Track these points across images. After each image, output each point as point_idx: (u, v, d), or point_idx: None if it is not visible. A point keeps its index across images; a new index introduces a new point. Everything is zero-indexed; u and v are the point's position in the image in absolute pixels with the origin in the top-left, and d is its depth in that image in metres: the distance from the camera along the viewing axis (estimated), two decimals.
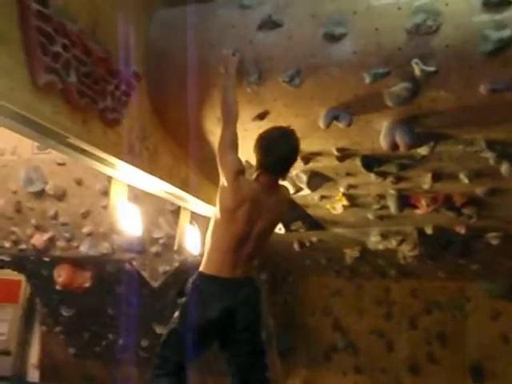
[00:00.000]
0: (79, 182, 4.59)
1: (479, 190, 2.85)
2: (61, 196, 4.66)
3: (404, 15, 1.94)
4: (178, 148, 2.55)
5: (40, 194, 4.66)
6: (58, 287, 5.31)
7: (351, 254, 4.58)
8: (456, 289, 5.68)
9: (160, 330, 6.02)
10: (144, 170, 2.26)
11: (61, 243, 4.86)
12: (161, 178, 2.41)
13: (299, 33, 2.05)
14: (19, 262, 5.38)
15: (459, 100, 2.00)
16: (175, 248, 3.39)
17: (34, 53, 1.48)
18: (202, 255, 2.99)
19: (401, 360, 5.77)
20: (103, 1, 1.90)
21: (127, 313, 5.87)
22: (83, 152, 1.93)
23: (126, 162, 2.11)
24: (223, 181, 2.08)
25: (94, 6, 1.84)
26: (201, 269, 2.19)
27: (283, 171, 2.11)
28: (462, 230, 3.56)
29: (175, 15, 2.31)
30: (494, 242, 3.72)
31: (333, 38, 2.00)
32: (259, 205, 2.07)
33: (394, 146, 2.13)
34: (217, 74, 2.12)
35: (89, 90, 1.74)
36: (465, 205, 3.03)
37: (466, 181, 2.66)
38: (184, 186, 2.69)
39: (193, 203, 3.02)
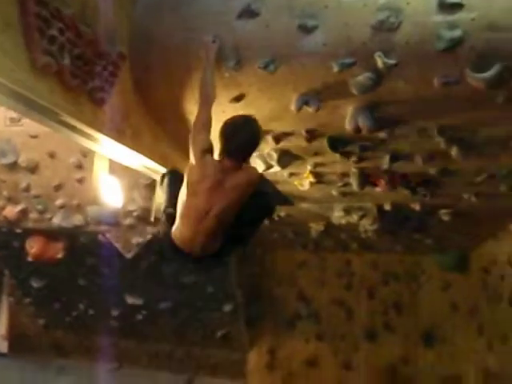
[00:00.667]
0: (52, 155, 4.63)
1: (432, 171, 3.14)
2: (33, 168, 4.69)
3: (370, 12, 2.14)
4: (158, 126, 2.69)
5: (12, 166, 4.67)
6: (29, 258, 5.37)
7: (316, 228, 4.86)
8: (412, 262, 6.13)
9: (131, 300, 6.22)
10: (127, 145, 2.40)
11: (33, 215, 4.91)
12: (142, 153, 2.56)
13: (276, 23, 2.21)
14: None
15: (416, 91, 2.23)
16: (151, 220, 3.55)
17: (33, 36, 1.60)
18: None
19: (359, 327, 6.22)
20: None
21: (99, 283, 6.01)
22: (72, 128, 2.06)
23: (111, 138, 2.25)
24: (191, 156, 2.25)
25: None
26: (173, 230, 2.33)
27: (244, 157, 2.25)
28: (416, 207, 3.88)
29: None
30: (446, 218, 4.06)
31: (306, 30, 2.18)
32: (221, 185, 2.22)
33: (357, 130, 2.36)
34: (197, 57, 2.27)
35: (80, 71, 1.87)
36: (419, 184, 3.32)
37: (420, 162, 2.94)
38: (162, 161, 2.85)
39: None
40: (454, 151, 2.73)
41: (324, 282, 6.35)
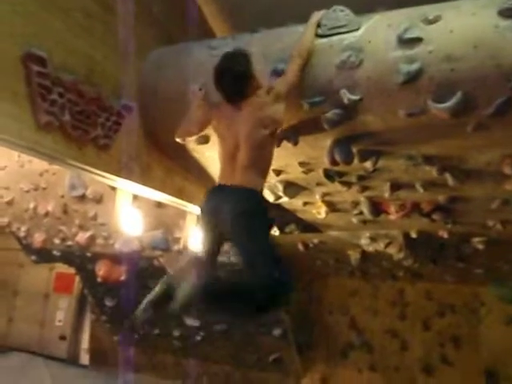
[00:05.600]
0: (113, 188, 5.27)
1: (441, 198, 3.11)
2: (99, 200, 5.38)
3: (333, 53, 2.33)
4: (170, 163, 3.07)
5: (82, 198, 5.42)
6: (99, 280, 6.07)
7: (354, 255, 4.88)
8: (469, 293, 5.77)
9: (190, 321, 6.64)
10: (137, 182, 2.81)
11: (100, 241, 5.60)
12: (153, 188, 2.95)
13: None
14: (67, 257, 6.19)
15: (385, 122, 2.34)
16: (180, 248, 3.92)
17: (36, 101, 2.06)
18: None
19: (414, 360, 5.95)
20: (100, 54, 2.46)
21: None
22: (84, 169, 2.50)
23: (119, 176, 2.66)
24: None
25: (91, 59, 2.40)
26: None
27: (242, 95, 2.32)
28: (444, 235, 3.78)
29: (162, 55, 2.84)
30: (480, 246, 3.88)
31: (278, 73, 2.43)
32: (233, 121, 2.33)
33: (334, 162, 2.51)
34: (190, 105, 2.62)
35: (81, 124, 2.30)
36: (433, 211, 3.28)
37: (421, 190, 2.95)
38: (178, 194, 3.23)
39: (192, 208, 3.55)
40: (448, 179, 2.73)
41: (376, 311, 6.22)
